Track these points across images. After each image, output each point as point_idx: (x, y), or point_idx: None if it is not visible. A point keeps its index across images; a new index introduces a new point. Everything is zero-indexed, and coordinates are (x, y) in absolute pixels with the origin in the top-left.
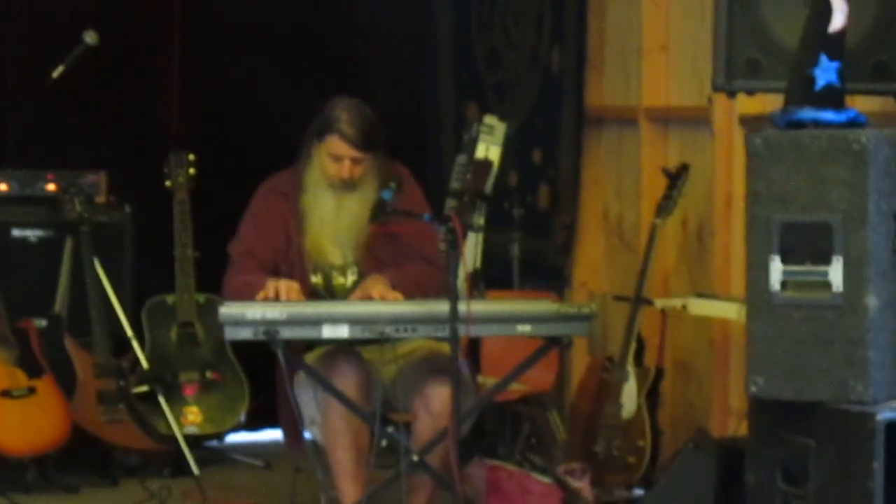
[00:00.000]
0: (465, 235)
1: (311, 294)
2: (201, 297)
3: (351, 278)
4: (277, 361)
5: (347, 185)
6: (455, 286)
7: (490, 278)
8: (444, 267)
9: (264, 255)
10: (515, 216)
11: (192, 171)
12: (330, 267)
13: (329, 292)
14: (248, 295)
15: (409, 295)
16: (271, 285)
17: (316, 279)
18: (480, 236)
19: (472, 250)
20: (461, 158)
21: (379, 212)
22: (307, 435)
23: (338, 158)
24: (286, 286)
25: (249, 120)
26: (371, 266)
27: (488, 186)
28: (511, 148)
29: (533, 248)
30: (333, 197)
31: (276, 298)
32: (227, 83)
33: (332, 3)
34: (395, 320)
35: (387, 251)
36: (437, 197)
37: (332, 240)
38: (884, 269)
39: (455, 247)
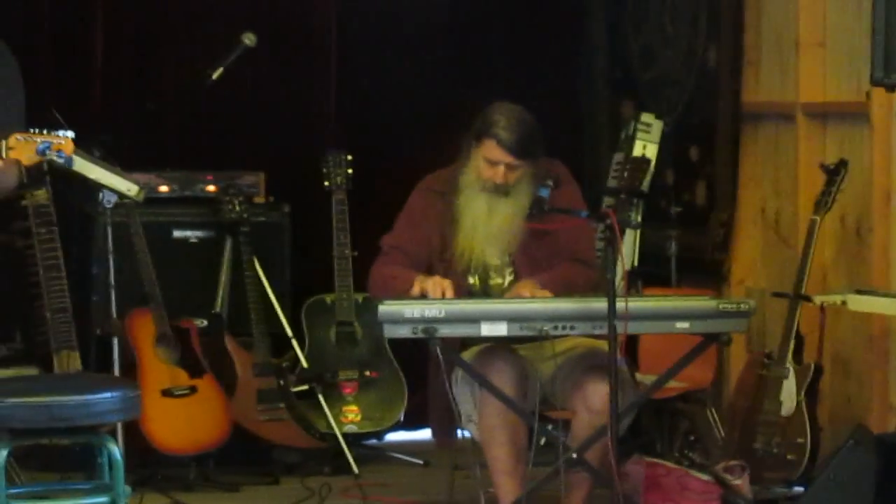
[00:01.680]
0: (622, 233)
1: (468, 295)
2: (360, 297)
3: (508, 278)
4: (429, 359)
5: (501, 190)
6: (613, 283)
7: (647, 275)
8: (599, 266)
9: (415, 252)
10: (672, 213)
11: (349, 170)
12: (487, 267)
13: (486, 293)
14: (391, 287)
15: (559, 294)
16: (418, 284)
17: (473, 280)
18: (637, 233)
19: (629, 248)
20: (618, 156)
21: (536, 208)
22: (465, 433)
23: (493, 163)
24: (433, 284)
25: (407, 119)
26: (527, 266)
27: (645, 184)
28: (667, 145)
29: (690, 244)
30: (486, 201)
31: (423, 297)
32: (385, 81)
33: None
34: (554, 318)
35: (542, 250)
36: (594, 195)
37: (486, 241)
38: None
39: (613, 244)
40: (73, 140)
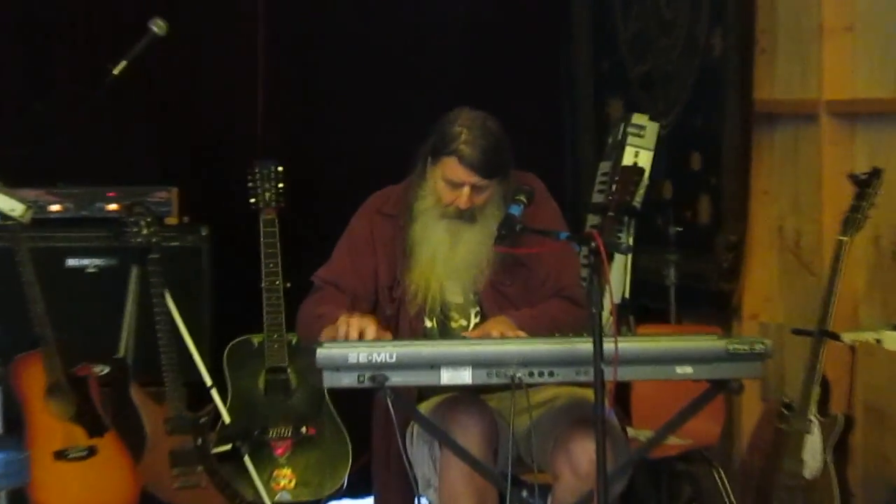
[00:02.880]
0: (610, 258)
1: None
2: (293, 337)
3: (473, 320)
4: (379, 413)
5: (465, 216)
6: (599, 319)
7: (641, 310)
8: (586, 300)
9: (355, 288)
10: (671, 234)
11: (281, 185)
12: (447, 307)
13: (445, 338)
14: (318, 330)
15: (538, 337)
16: (342, 324)
17: (430, 323)
18: (629, 259)
19: (618, 276)
20: (604, 166)
21: (505, 229)
22: (423, 502)
23: (455, 185)
24: (358, 324)
25: (353, 123)
26: (496, 304)
27: (638, 199)
28: (664, 152)
29: (692, 272)
30: (447, 229)
31: (346, 339)
32: (324, 82)
33: None
34: (529, 362)
35: (516, 285)
36: (577, 213)
37: (448, 276)
38: None
39: (598, 272)
40: None
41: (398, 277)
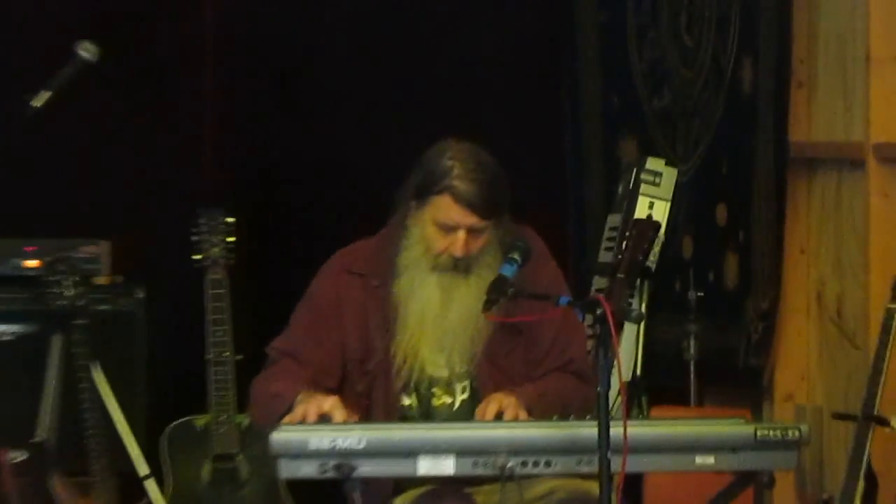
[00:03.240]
0: (619, 328)
1: (403, 420)
2: (245, 419)
3: (460, 396)
4: None
5: (460, 268)
6: (606, 400)
7: (655, 388)
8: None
9: (317, 360)
10: (691, 300)
11: (231, 239)
12: (430, 382)
13: (427, 418)
14: (274, 410)
15: (545, 417)
16: (301, 403)
17: (409, 401)
18: (641, 329)
19: (629, 348)
20: (613, 219)
21: (495, 292)
22: None
23: (449, 228)
24: (318, 404)
25: (314, 169)
26: (491, 379)
27: (652, 258)
28: (684, 203)
29: (716, 344)
30: (439, 284)
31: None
32: (283, 116)
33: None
34: (523, 449)
35: (514, 356)
36: (581, 274)
37: (435, 344)
38: None
39: (606, 344)
40: None
41: (371, 347)
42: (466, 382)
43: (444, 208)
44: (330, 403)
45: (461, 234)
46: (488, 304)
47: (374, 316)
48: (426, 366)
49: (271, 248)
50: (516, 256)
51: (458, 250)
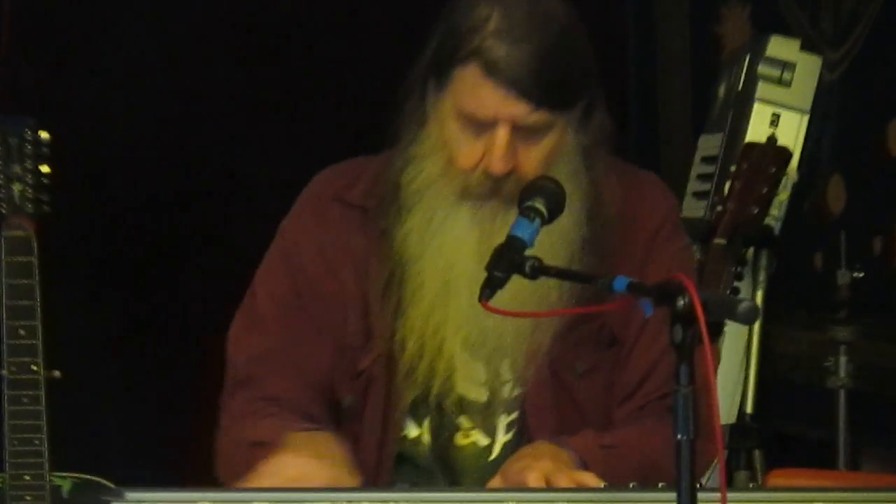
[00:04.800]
0: (717, 332)
1: (401, 465)
2: (65, 482)
3: (502, 437)
4: None
5: (505, 194)
6: (691, 454)
7: (778, 437)
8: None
9: (312, 363)
10: (842, 286)
11: (45, 168)
12: (458, 405)
13: (442, 464)
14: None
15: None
16: (278, 464)
17: (417, 430)
18: (756, 333)
19: (735, 368)
20: (707, 143)
21: (503, 269)
22: None
23: (481, 125)
24: (271, 470)
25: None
26: (553, 411)
27: (776, 213)
28: (833, 119)
29: (884, 363)
30: (474, 221)
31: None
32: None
33: None
34: None
35: (594, 378)
36: None
37: (471, 332)
38: None
39: (686, 358)
40: None
41: (371, 330)
42: (515, 415)
43: (472, 87)
44: (309, 464)
45: (501, 134)
46: (489, 287)
47: (376, 278)
48: (455, 373)
49: (121, 190)
50: (538, 205)
51: (496, 162)
